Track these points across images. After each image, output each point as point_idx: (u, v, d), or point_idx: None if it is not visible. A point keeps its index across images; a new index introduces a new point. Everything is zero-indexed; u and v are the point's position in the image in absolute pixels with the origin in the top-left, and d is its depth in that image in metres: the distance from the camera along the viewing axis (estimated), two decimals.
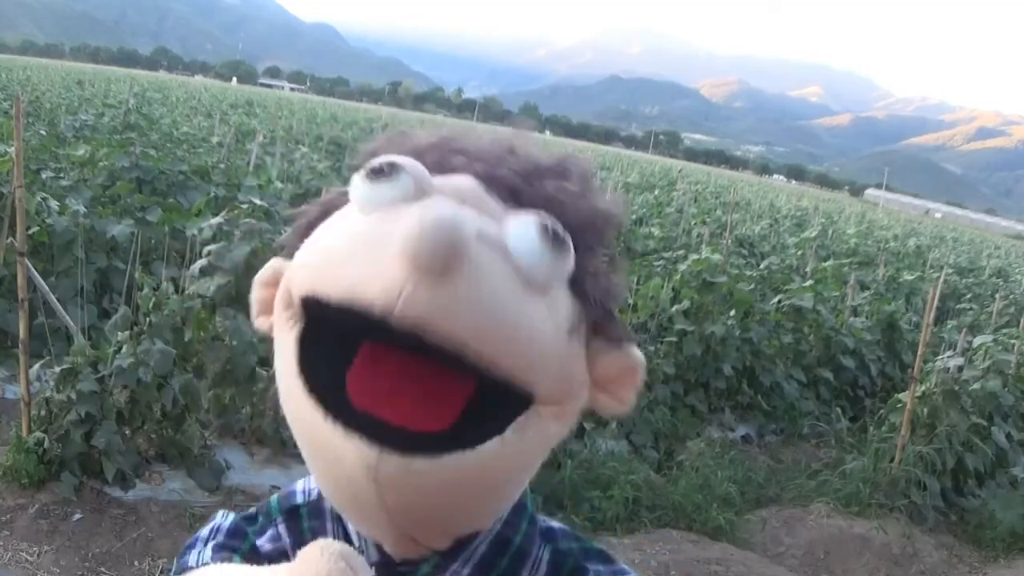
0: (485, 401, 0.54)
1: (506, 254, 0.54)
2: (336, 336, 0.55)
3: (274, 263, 0.63)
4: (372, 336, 0.53)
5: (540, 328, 0.54)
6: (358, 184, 0.57)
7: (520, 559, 0.66)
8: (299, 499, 0.70)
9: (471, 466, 0.53)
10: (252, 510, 0.72)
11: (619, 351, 0.61)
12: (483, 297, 0.51)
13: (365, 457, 0.52)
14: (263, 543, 0.68)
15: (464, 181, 0.59)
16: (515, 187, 0.60)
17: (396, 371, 0.53)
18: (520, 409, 0.55)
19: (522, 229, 0.55)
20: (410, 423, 0.53)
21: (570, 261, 0.57)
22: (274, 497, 0.71)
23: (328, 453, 0.54)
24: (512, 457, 0.56)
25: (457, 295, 0.50)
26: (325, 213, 0.62)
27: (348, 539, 0.66)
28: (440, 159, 0.61)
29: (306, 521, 0.68)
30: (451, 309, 0.50)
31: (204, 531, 0.70)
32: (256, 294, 0.64)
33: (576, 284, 0.58)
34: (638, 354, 0.62)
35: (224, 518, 0.71)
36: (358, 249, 0.53)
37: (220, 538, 0.69)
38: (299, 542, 0.67)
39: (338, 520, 0.66)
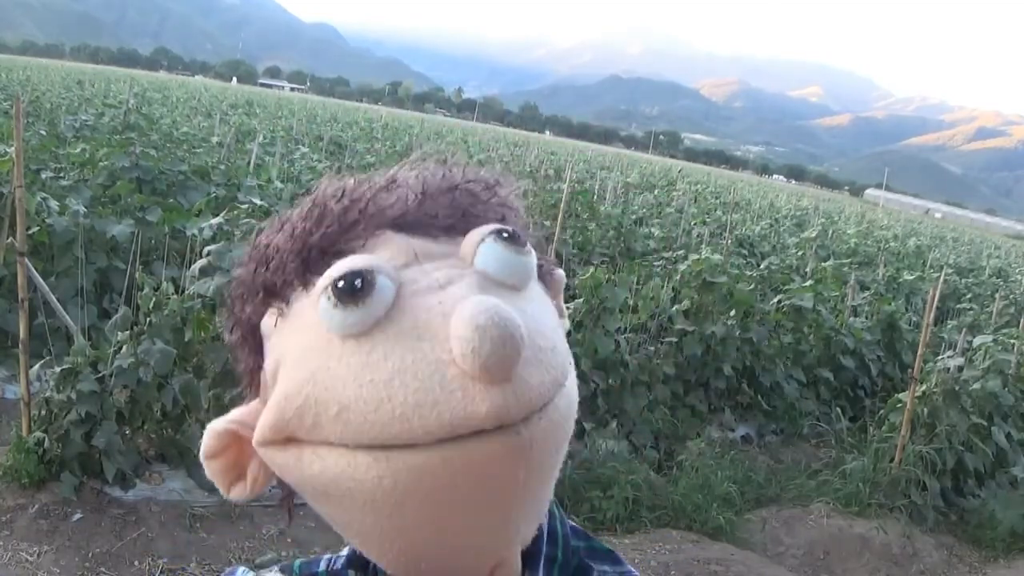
0: None
1: (487, 279, 0.55)
2: None
3: (212, 431, 0.58)
4: None
5: (552, 320, 0.58)
6: (330, 311, 0.52)
7: (567, 547, 0.68)
8: (321, 567, 0.68)
9: (563, 406, 0.54)
10: (273, 571, 0.69)
11: (553, 275, 0.64)
12: (540, 359, 0.52)
13: (498, 408, 0.50)
14: None
15: (401, 245, 0.56)
16: (442, 225, 0.59)
17: None
18: None
19: (486, 250, 0.56)
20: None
21: (534, 260, 0.58)
22: (296, 562, 0.69)
23: (471, 462, 0.51)
24: (543, 317, 0.57)
25: (521, 376, 0.51)
26: (255, 339, 0.59)
27: None
28: (354, 234, 0.58)
29: None
30: (528, 392, 0.51)
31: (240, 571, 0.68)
32: (212, 468, 0.59)
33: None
34: (560, 272, 0.66)
35: (239, 572, 0.68)
36: (399, 376, 0.50)
37: None
38: None
39: None
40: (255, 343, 0.60)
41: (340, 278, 0.52)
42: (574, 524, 0.71)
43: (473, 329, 0.48)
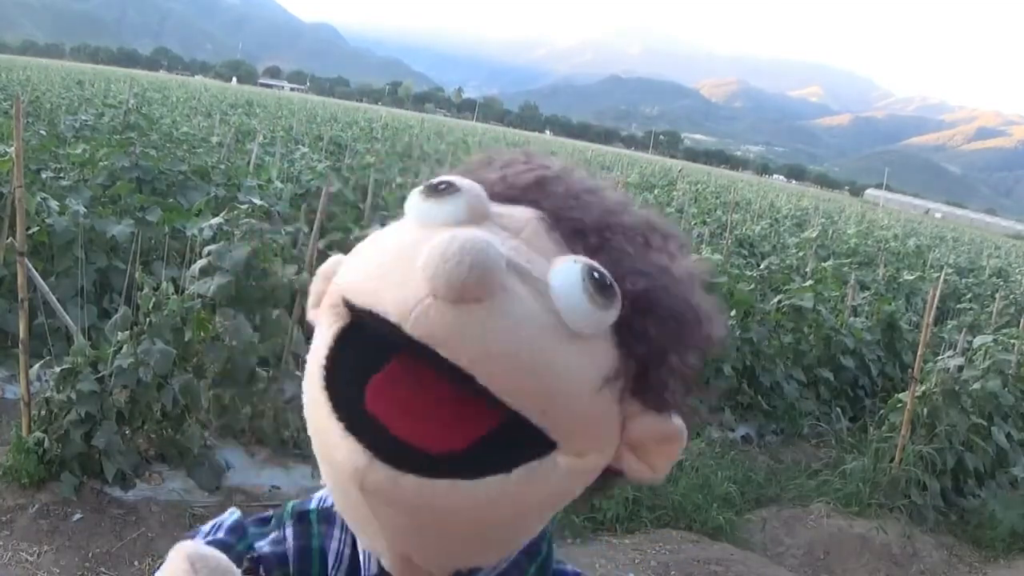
0: (505, 438, 0.52)
1: (543, 292, 0.52)
2: (371, 343, 0.54)
3: (337, 258, 0.62)
4: (403, 349, 0.52)
5: (566, 371, 0.52)
6: (414, 197, 0.57)
7: None
8: (312, 504, 0.70)
9: (463, 498, 0.51)
10: (268, 513, 0.71)
11: (658, 417, 0.57)
12: (499, 329, 0.50)
13: (355, 460, 0.51)
14: (263, 545, 0.67)
15: (524, 214, 0.57)
16: (582, 231, 0.58)
17: (421, 388, 0.52)
18: (537, 454, 0.53)
19: (567, 269, 0.53)
20: (413, 438, 0.51)
21: (614, 313, 0.54)
22: (290, 503, 0.71)
23: (326, 451, 0.54)
24: (512, 500, 0.53)
25: (472, 321, 0.49)
26: None
27: (354, 550, 0.66)
28: (513, 193, 0.60)
29: (315, 526, 0.68)
30: (462, 333, 0.49)
31: (207, 526, 0.69)
32: (315, 286, 0.63)
33: (623, 336, 0.55)
34: (680, 424, 0.59)
35: (230, 515, 0.69)
36: (395, 261, 0.54)
37: (219, 534, 0.67)
38: (305, 546, 0.67)
39: (346, 528, 0.66)
40: None
41: (436, 179, 0.57)
42: (578, 572, 0.71)
43: (441, 247, 0.49)
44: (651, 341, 0.56)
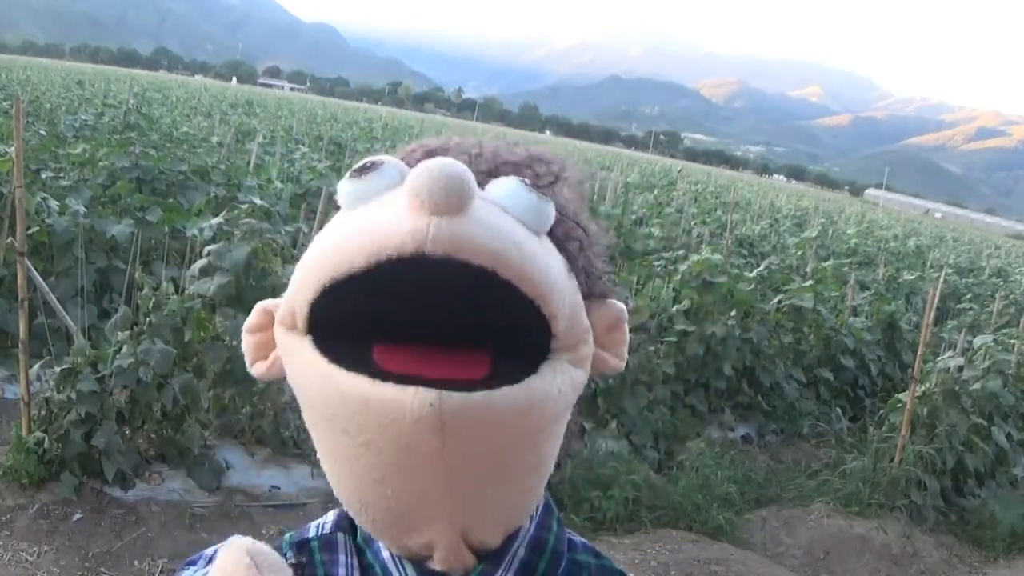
0: (506, 359, 0.55)
1: (497, 206, 0.57)
2: (347, 341, 0.55)
3: (259, 307, 0.63)
4: (385, 331, 0.54)
5: (550, 260, 0.57)
6: (344, 185, 0.59)
7: (556, 561, 0.66)
8: (311, 533, 0.69)
9: (521, 400, 0.54)
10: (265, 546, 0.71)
11: (604, 303, 0.64)
12: (500, 224, 0.54)
13: (428, 396, 0.51)
14: None
15: (445, 158, 0.61)
16: (485, 171, 0.63)
17: (416, 350, 0.54)
18: (540, 360, 0.57)
19: (502, 182, 0.59)
20: (451, 375, 0.53)
21: (552, 211, 0.59)
22: (287, 535, 0.70)
23: (381, 419, 0.53)
24: (551, 395, 0.56)
25: (478, 222, 0.53)
26: None
27: (364, 572, 0.65)
28: (420, 159, 0.63)
29: (317, 554, 0.67)
30: (476, 233, 0.52)
31: (209, 550, 0.68)
32: (247, 342, 0.63)
33: (557, 242, 0.61)
34: (620, 304, 0.65)
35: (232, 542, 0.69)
36: (365, 223, 0.55)
37: None
38: (311, 575, 0.66)
39: (352, 553, 0.66)
40: None
41: (360, 161, 0.60)
42: (585, 541, 0.72)
43: (424, 166, 0.53)
44: (571, 240, 0.63)
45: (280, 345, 0.60)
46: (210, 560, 0.66)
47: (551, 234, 0.61)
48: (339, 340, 0.55)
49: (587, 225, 0.67)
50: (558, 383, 0.57)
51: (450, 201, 0.52)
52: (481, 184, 0.60)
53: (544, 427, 0.58)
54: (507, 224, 0.55)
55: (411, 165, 0.59)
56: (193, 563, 0.68)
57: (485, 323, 0.53)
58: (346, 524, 0.67)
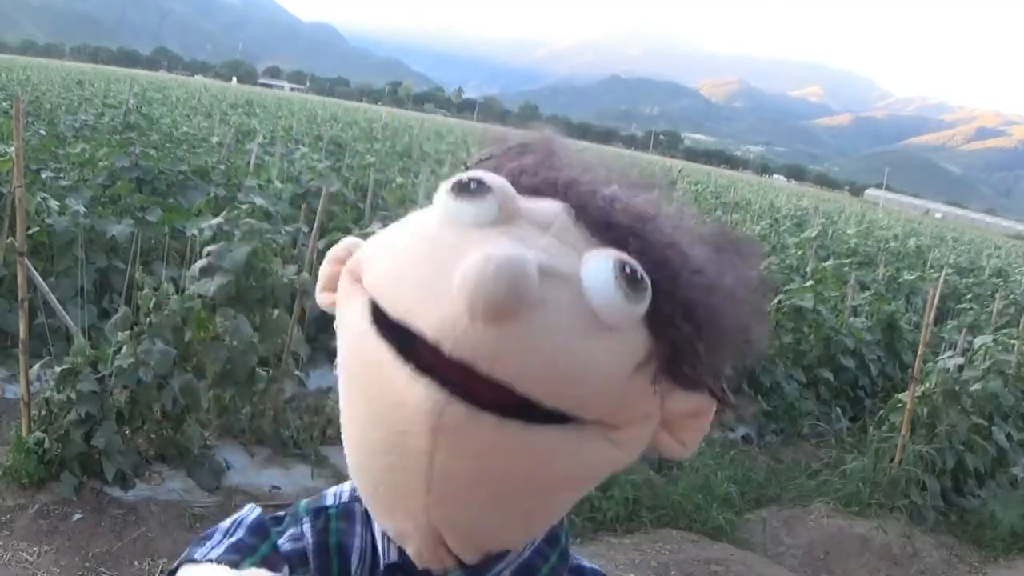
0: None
1: (577, 291, 0.53)
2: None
3: (348, 241, 0.63)
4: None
5: (600, 364, 0.53)
6: (443, 196, 0.57)
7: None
8: (329, 501, 0.68)
9: (531, 443, 0.52)
10: (280, 512, 0.69)
11: (688, 394, 0.59)
12: (538, 343, 0.50)
13: (433, 395, 0.50)
14: (283, 542, 0.65)
15: (552, 208, 0.58)
16: (607, 222, 0.58)
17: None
18: (579, 425, 0.54)
19: (598, 264, 0.54)
20: (476, 391, 0.51)
21: (645, 305, 0.55)
22: (303, 501, 0.70)
23: (389, 396, 0.52)
24: (566, 458, 0.54)
25: (510, 340, 0.49)
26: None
27: (375, 545, 0.65)
28: (537, 183, 0.61)
29: (334, 521, 0.67)
30: (502, 352, 0.49)
31: (226, 523, 0.66)
32: (325, 268, 0.63)
33: (653, 320, 0.56)
34: (709, 400, 0.60)
35: (250, 512, 0.67)
36: (427, 268, 0.53)
37: (240, 533, 0.65)
38: (323, 541, 0.65)
39: (366, 524, 0.65)
40: None
41: (468, 176, 0.57)
42: (596, 568, 0.71)
43: (479, 264, 0.49)
44: (679, 327, 0.57)
45: (341, 288, 0.60)
46: (226, 532, 0.65)
47: (655, 310, 0.56)
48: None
49: (715, 310, 0.58)
50: (583, 453, 0.54)
51: (488, 311, 0.48)
52: (600, 234, 0.57)
53: (551, 481, 0.56)
54: (549, 338, 0.51)
55: (522, 186, 0.59)
56: (209, 537, 0.66)
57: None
58: None
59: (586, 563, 0.70)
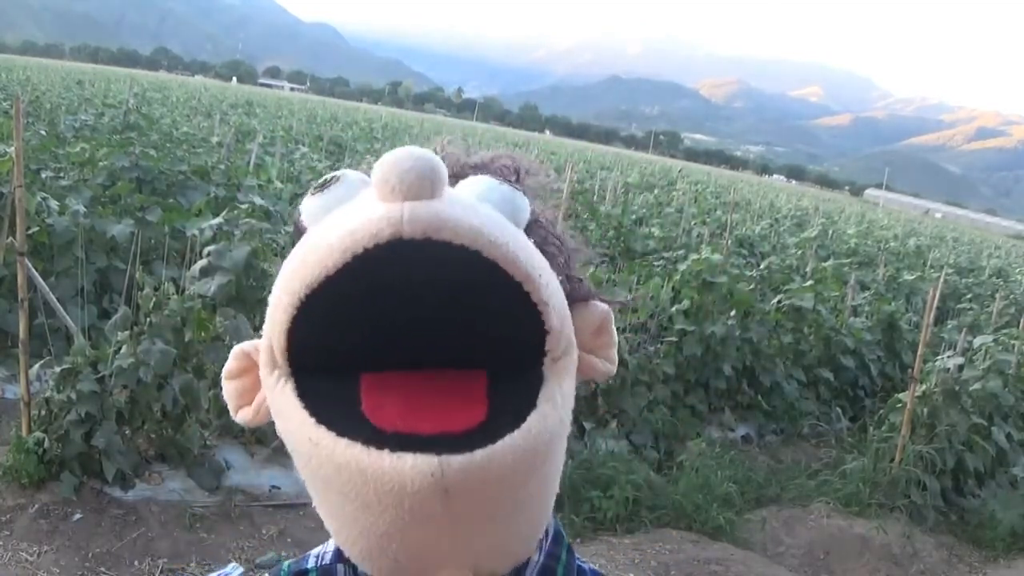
0: (502, 390, 0.53)
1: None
2: (333, 378, 0.53)
3: (237, 350, 0.61)
4: (370, 361, 0.52)
5: (529, 245, 0.55)
6: (308, 203, 0.57)
7: None
8: (311, 563, 0.68)
9: (522, 444, 0.52)
10: (265, 573, 0.69)
11: (587, 306, 0.62)
12: (477, 207, 0.53)
13: (428, 466, 0.49)
14: None
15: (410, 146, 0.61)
16: (454, 176, 0.60)
17: (406, 390, 0.52)
18: (537, 384, 0.54)
19: (475, 180, 0.58)
20: (447, 427, 0.51)
21: (527, 204, 0.59)
22: (285, 563, 0.70)
23: (381, 488, 0.51)
24: (551, 427, 0.54)
25: (454, 203, 0.51)
26: None
27: None
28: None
29: None
30: (455, 212, 0.50)
31: (231, 571, 0.68)
32: (227, 389, 0.61)
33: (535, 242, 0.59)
34: (604, 306, 0.63)
35: (233, 570, 0.68)
36: (337, 223, 0.52)
37: None
38: None
39: None
40: None
41: (320, 179, 0.58)
42: (595, 569, 0.71)
43: (390, 154, 0.51)
44: (548, 244, 0.61)
45: (264, 388, 0.57)
46: None
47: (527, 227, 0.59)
48: (323, 372, 0.53)
49: (560, 233, 0.64)
50: (557, 410, 0.55)
51: (423, 183, 0.50)
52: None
53: (548, 457, 0.56)
54: (481, 208, 0.54)
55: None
56: None
57: (475, 328, 0.51)
58: (346, 555, 0.65)
59: (586, 565, 0.71)
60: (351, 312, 0.50)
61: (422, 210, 0.49)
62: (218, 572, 0.68)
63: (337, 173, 0.58)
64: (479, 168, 0.63)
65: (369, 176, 0.55)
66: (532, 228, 0.59)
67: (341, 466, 0.51)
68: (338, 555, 0.66)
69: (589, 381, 0.62)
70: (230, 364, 0.60)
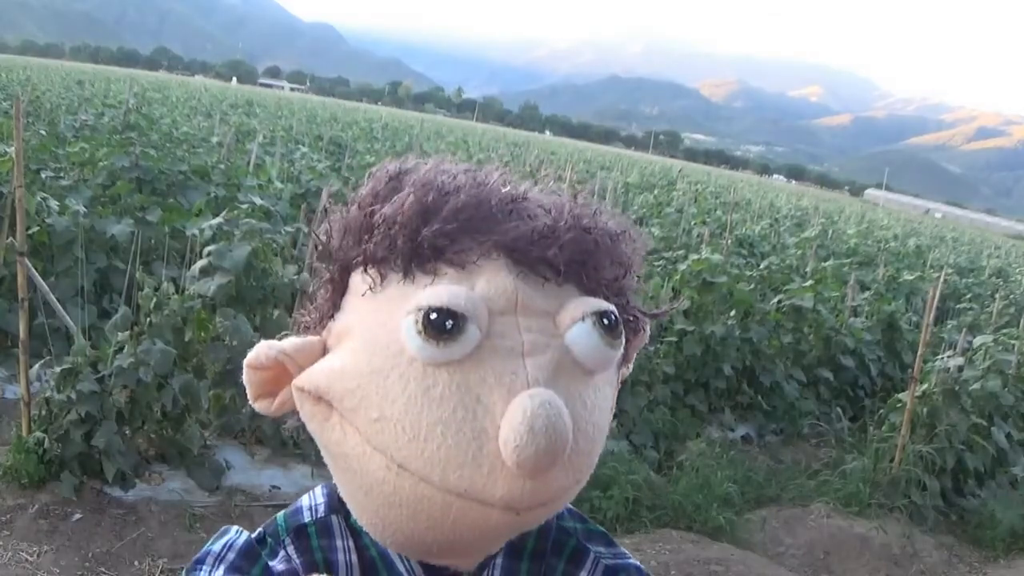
0: None
1: (565, 353, 0.57)
2: None
3: (271, 353, 0.60)
4: None
5: (604, 406, 0.60)
6: (413, 335, 0.54)
7: (544, 535, 0.70)
8: (306, 517, 0.68)
9: (581, 455, 0.58)
10: (259, 531, 0.69)
11: (638, 336, 0.67)
12: (572, 462, 0.56)
13: (509, 512, 0.54)
14: (276, 564, 0.66)
15: (501, 283, 0.57)
16: (558, 268, 0.59)
17: None
18: None
19: (580, 330, 0.57)
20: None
21: (623, 341, 0.60)
22: (280, 515, 0.70)
23: (462, 521, 0.55)
24: (598, 414, 0.59)
25: (556, 478, 0.55)
26: (343, 282, 0.62)
27: (361, 554, 0.66)
28: (468, 244, 0.58)
29: (315, 540, 0.67)
30: (559, 486, 0.56)
31: (216, 546, 0.67)
32: (250, 376, 0.61)
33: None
34: (648, 327, 0.67)
35: (237, 535, 0.67)
36: (443, 424, 0.53)
37: (232, 557, 0.65)
38: (310, 562, 0.66)
39: (348, 536, 0.66)
40: (341, 286, 0.62)
41: (435, 310, 0.53)
42: (571, 508, 0.73)
43: (527, 427, 0.51)
44: (628, 310, 0.65)
45: (309, 413, 0.60)
46: (218, 557, 0.66)
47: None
48: None
49: (633, 295, 0.66)
50: (607, 400, 0.62)
51: (546, 467, 0.53)
52: (551, 276, 0.59)
53: (596, 443, 0.61)
54: (580, 442, 0.56)
55: (482, 243, 0.57)
56: (202, 561, 0.66)
57: None
58: (338, 503, 0.66)
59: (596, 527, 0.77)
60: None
61: (538, 495, 0.54)
62: (224, 539, 0.67)
63: (459, 313, 0.53)
64: (594, 255, 0.60)
65: (486, 314, 0.55)
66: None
67: (424, 498, 0.55)
68: (329, 505, 0.68)
69: None
70: (259, 359, 0.60)
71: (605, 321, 0.57)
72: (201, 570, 0.65)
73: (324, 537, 0.67)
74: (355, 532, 0.66)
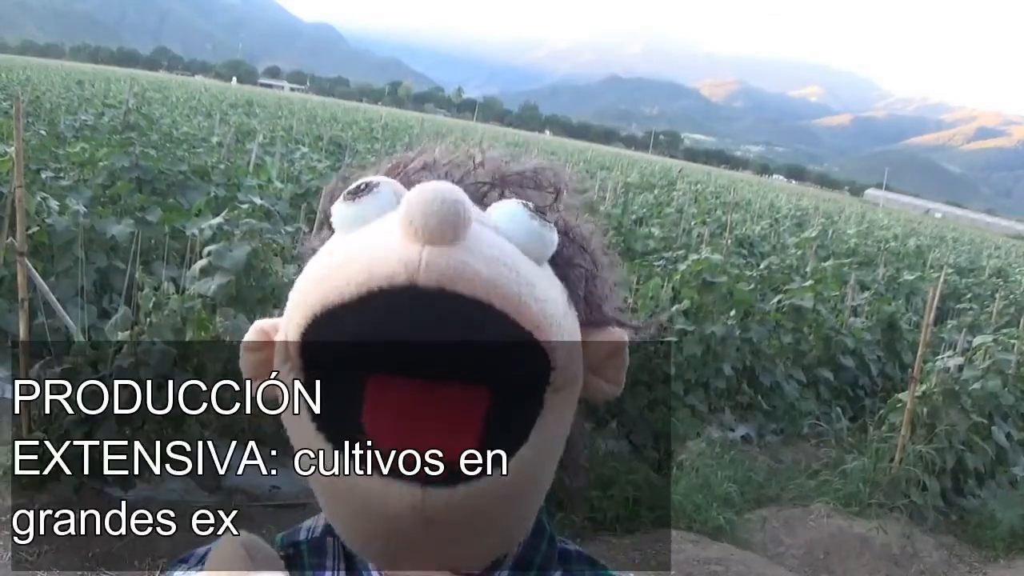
0: (499, 416, 0.54)
1: (495, 230, 0.56)
2: (340, 378, 0.55)
3: (257, 325, 0.63)
4: (378, 363, 0.53)
5: (546, 291, 0.55)
6: (339, 208, 0.58)
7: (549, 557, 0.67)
8: (301, 536, 0.69)
9: (506, 482, 0.54)
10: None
11: (602, 331, 0.62)
12: (496, 254, 0.53)
13: (412, 498, 0.52)
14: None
15: (441, 183, 0.59)
16: (486, 192, 0.62)
17: (409, 400, 0.53)
18: (534, 413, 0.56)
19: (506, 209, 0.58)
20: (440, 448, 0.53)
21: (554, 238, 0.58)
22: (279, 535, 0.71)
23: (369, 505, 0.54)
24: (541, 457, 0.57)
25: (473, 251, 0.52)
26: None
27: None
28: (410, 178, 0.62)
29: (305, 558, 0.67)
30: (471, 263, 0.51)
31: (201, 549, 0.68)
32: (246, 360, 0.63)
33: (558, 269, 0.60)
34: (621, 332, 0.63)
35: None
36: (360, 249, 0.54)
37: None
38: None
39: (341, 558, 0.66)
40: None
41: (354, 183, 0.58)
42: (580, 550, 0.72)
43: (418, 192, 0.52)
44: (578, 265, 0.62)
45: (280, 379, 0.60)
46: (201, 559, 0.66)
47: (553, 259, 0.59)
48: (332, 371, 0.55)
49: (594, 250, 0.64)
50: (549, 443, 0.57)
51: (444, 230, 0.50)
52: (481, 198, 0.60)
53: (532, 488, 0.59)
54: (505, 252, 0.54)
55: (407, 182, 0.59)
56: (184, 560, 0.68)
57: (482, 356, 0.52)
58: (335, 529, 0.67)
59: (571, 547, 0.72)
60: (362, 332, 0.52)
61: (439, 259, 0.50)
62: (213, 544, 0.68)
63: (372, 180, 0.58)
64: (518, 183, 0.63)
65: (403, 187, 0.57)
66: (561, 251, 0.60)
67: (334, 478, 0.55)
68: (328, 529, 0.68)
69: (591, 401, 0.63)
70: (250, 336, 0.63)
71: (531, 208, 0.58)
72: (179, 567, 0.67)
73: (315, 556, 0.67)
74: (348, 556, 0.66)
